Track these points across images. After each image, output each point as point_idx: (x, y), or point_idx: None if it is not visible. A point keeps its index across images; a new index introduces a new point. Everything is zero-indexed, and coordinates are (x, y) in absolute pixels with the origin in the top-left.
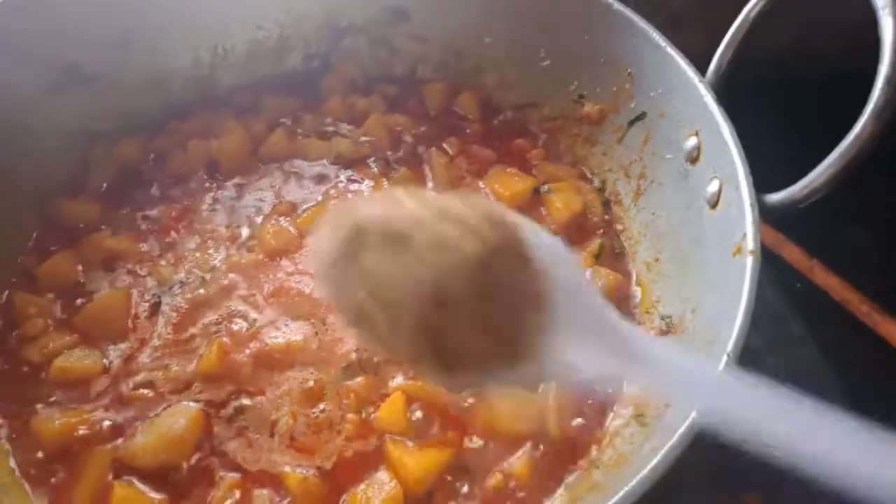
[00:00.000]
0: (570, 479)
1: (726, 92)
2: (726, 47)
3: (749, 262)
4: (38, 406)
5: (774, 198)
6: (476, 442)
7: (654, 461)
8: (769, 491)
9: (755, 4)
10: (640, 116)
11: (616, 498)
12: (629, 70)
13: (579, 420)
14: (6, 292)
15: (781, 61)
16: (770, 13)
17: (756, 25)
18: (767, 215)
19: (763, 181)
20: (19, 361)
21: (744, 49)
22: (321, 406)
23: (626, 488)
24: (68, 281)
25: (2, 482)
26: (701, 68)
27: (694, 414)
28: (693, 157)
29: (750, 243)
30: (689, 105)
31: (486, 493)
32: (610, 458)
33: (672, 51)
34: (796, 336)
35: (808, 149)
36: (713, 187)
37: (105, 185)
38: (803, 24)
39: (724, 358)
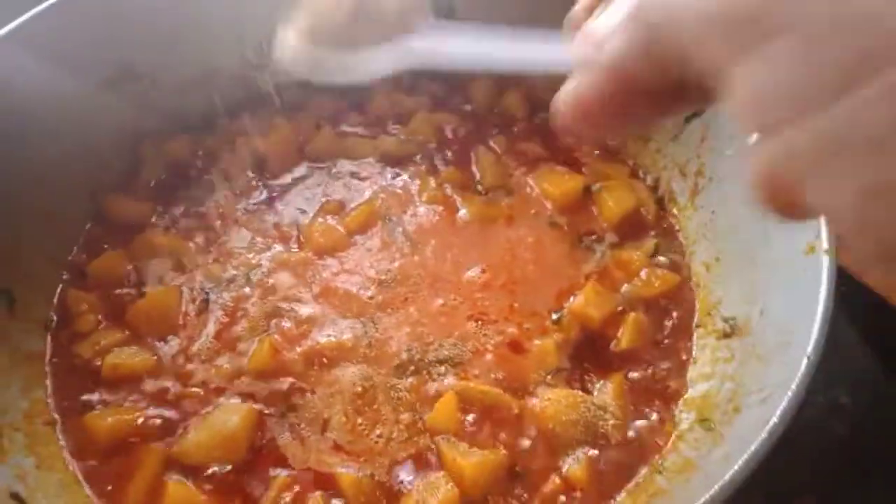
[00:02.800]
0: (630, 484)
1: None
2: None
3: (825, 261)
4: (91, 402)
5: None
6: (531, 444)
7: (734, 470)
8: (822, 495)
9: None
10: (698, 112)
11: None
12: None
13: (639, 422)
14: (59, 289)
15: None
16: None
17: None
18: None
19: None
20: (71, 357)
21: None
22: (373, 405)
23: (708, 495)
24: (119, 278)
25: (58, 478)
26: None
27: (774, 420)
28: None
29: (824, 242)
30: None
31: (542, 497)
32: (674, 464)
33: None
34: (845, 340)
35: None
36: None
37: (155, 182)
38: None
39: (805, 361)
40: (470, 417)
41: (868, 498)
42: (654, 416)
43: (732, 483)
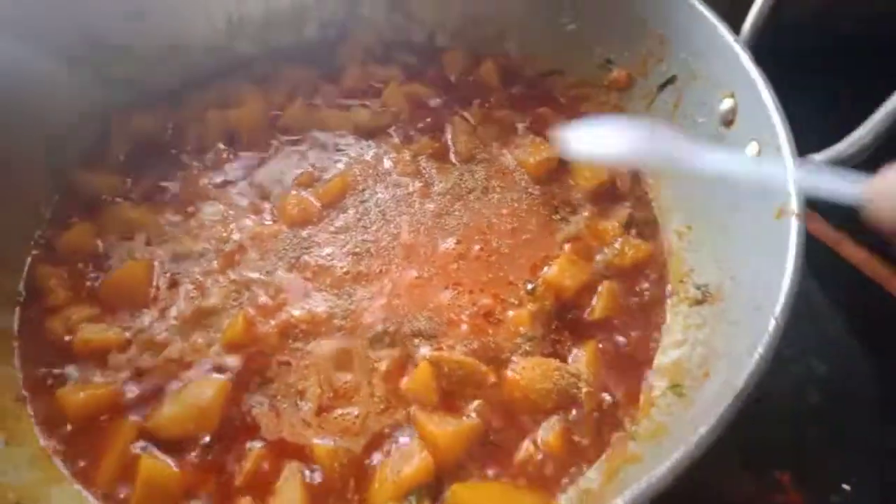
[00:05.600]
0: (604, 450)
1: (762, 52)
2: (762, 5)
3: (794, 224)
4: (63, 377)
5: (817, 158)
6: (505, 412)
7: (703, 430)
8: (799, 468)
9: None
10: (671, 80)
11: (662, 469)
12: (659, 32)
13: (612, 390)
14: (27, 264)
15: (817, 19)
16: None
17: None
18: None
19: (804, 144)
20: (42, 333)
21: (778, 7)
22: (348, 376)
23: (674, 458)
24: (89, 252)
25: (29, 453)
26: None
27: (742, 382)
28: (728, 120)
29: (794, 205)
30: (724, 66)
31: (516, 464)
32: (647, 430)
33: (705, 10)
34: (821, 309)
35: (843, 110)
36: (751, 150)
37: (124, 156)
38: None
39: (773, 321)
40: (445, 387)
41: (843, 467)
42: (627, 384)
43: (698, 447)
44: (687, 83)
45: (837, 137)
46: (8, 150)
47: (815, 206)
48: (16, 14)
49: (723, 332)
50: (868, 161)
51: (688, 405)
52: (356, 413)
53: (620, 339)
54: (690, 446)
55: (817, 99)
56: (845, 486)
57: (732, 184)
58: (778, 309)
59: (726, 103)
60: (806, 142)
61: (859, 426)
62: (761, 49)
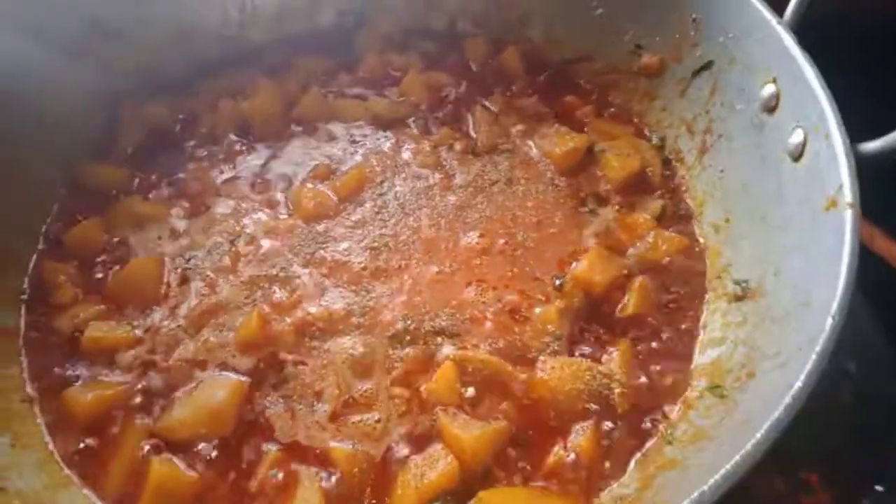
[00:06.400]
0: (638, 455)
1: (805, 34)
2: None
3: (848, 215)
4: (70, 377)
5: (870, 147)
6: (534, 415)
7: (757, 438)
8: (829, 469)
9: None
10: (707, 66)
11: (722, 472)
12: (693, 15)
13: (647, 391)
14: (33, 260)
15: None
16: None
17: None
18: (863, 165)
19: (849, 129)
20: (49, 331)
21: None
22: (368, 377)
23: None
24: (97, 248)
25: (36, 456)
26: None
27: (798, 384)
28: (770, 107)
29: (847, 195)
30: (766, 50)
31: (546, 469)
32: (685, 433)
33: None
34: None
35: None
36: (796, 138)
37: (133, 148)
38: None
39: (829, 321)
40: (470, 388)
41: (871, 467)
42: (663, 384)
43: (755, 451)
44: (724, 69)
45: (887, 125)
46: (14, 143)
47: None
48: (20, 5)
49: (766, 329)
50: None
51: (731, 407)
52: (377, 418)
53: (655, 337)
54: (747, 451)
55: (864, 86)
56: (878, 488)
57: (775, 172)
58: (835, 306)
59: (768, 89)
60: (855, 129)
61: (888, 424)
62: (805, 34)
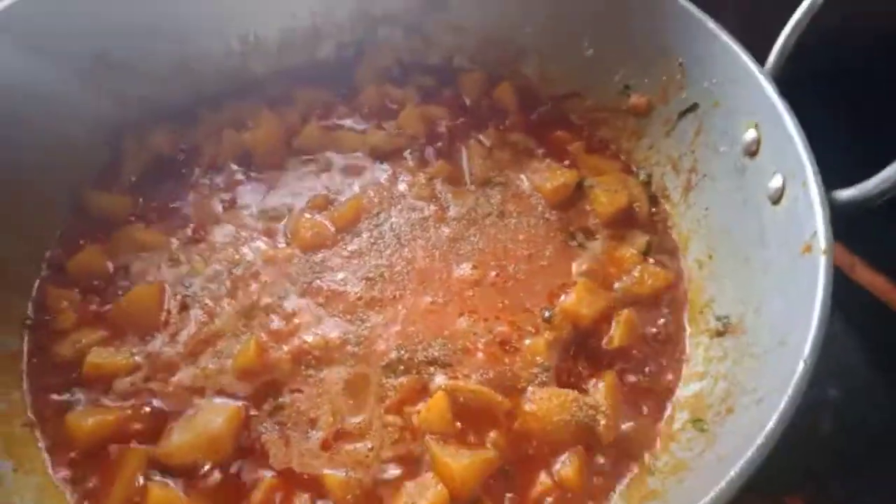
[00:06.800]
0: (621, 486)
1: (785, 80)
2: (789, 35)
3: (822, 261)
4: (71, 402)
5: (844, 194)
6: (522, 445)
7: (731, 476)
8: (811, 494)
9: None
10: (692, 108)
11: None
12: (680, 60)
13: (631, 422)
14: (35, 286)
15: (839, 47)
16: (835, 1)
17: (821, 12)
18: (838, 213)
19: (825, 176)
20: (51, 356)
21: (805, 39)
22: (362, 405)
23: (708, 499)
24: (99, 274)
25: (37, 481)
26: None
27: (771, 425)
28: (752, 151)
29: (822, 242)
30: (748, 96)
31: (532, 498)
32: (666, 465)
33: (730, 40)
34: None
35: (867, 141)
36: (776, 182)
37: (136, 176)
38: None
39: (801, 365)
40: (461, 418)
41: (854, 493)
42: (646, 416)
43: (730, 488)
44: (708, 112)
45: (865, 170)
46: (18, 169)
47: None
48: (30, 32)
49: (746, 365)
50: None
51: (710, 441)
52: (370, 446)
53: (639, 369)
54: (721, 489)
55: (844, 134)
56: None
57: (756, 214)
58: (807, 350)
59: (750, 134)
60: (833, 175)
61: (872, 453)
62: (787, 78)
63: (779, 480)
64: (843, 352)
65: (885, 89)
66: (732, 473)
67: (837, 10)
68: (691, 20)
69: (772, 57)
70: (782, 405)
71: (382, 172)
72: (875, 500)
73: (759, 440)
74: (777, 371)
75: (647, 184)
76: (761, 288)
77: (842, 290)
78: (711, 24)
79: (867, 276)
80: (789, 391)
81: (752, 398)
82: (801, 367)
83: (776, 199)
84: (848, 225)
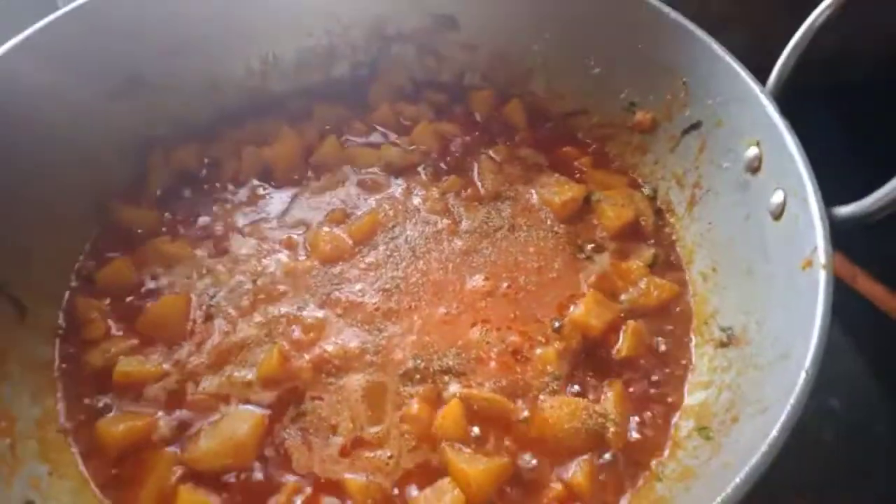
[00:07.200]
0: (630, 491)
1: (786, 98)
2: (789, 56)
3: (822, 276)
4: (102, 409)
5: (843, 211)
6: (534, 451)
7: (736, 483)
8: (812, 500)
9: (820, 14)
10: (696, 125)
11: None
12: (684, 79)
13: (639, 430)
14: (66, 297)
15: (838, 66)
16: (833, 23)
17: (820, 33)
18: (837, 229)
19: (825, 192)
20: (81, 365)
21: (805, 59)
22: (381, 412)
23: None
24: (127, 285)
25: (71, 485)
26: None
27: (774, 434)
28: (754, 168)
29: (822, 257)
30: (750, 115)
31: (546, 503)
32: (674, 472)
33: (732, 60)
34: (836, 345)
35: (866, 157)
36: (777, 198)
37: (162, 190)
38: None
39: (803, 376)
40: (475, 425)
41: (854, 503)
42: (654, 424)
43: (735, 495)
44: (712, 129)
45: (865, 186)
46: (51, 183)
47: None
48: (62, 49)
49: (749, 376)
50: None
51: (716, 449)
52: (389, 454)
53: (647, 379)
54: (728, 495)
55: (848, 148)
56: None
57: (758, 229)
58: (808, 362)
59: (752, 151)
60: (833, 190)
61: (873, 462)
62: (788, 97)
63: (781, 491)
64: (845, 362)
65: (884, 108)
66: (737, 480)
67: (837, 32)
68: (695, 41)
69: (772, 76)
70: (784, 415)
71: (397, 187)
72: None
73: (763, 448)
74: (780, 382)
75: (653, 198)
76: (764, 300)
77: (843, 300)
78: (715, 46)
79: (867, 286)
80: (791, 401)
81: (757, 408)
82: (802, 377)
83: (777, 215)
84: (849, 236)
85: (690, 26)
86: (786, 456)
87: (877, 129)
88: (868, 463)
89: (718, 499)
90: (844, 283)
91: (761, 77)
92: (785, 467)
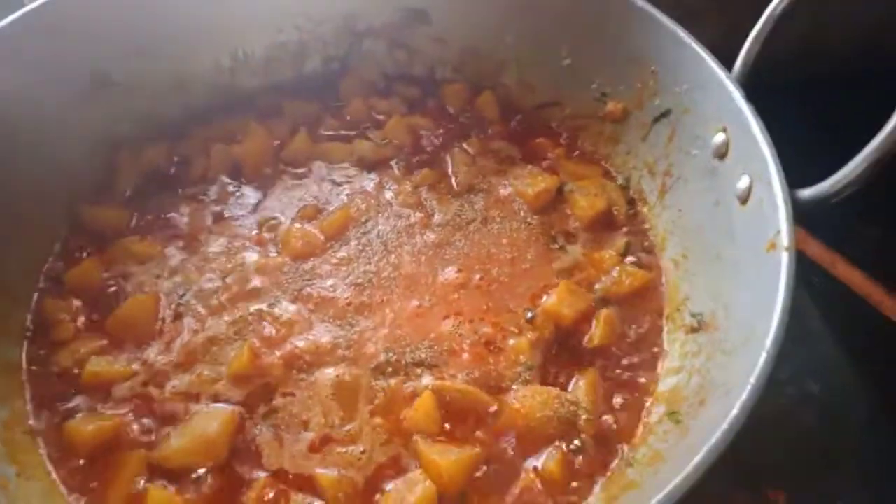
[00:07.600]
0: (603, 478)
1: (752, 87)
2: (752, 43)
3: (784, 258)
4: (71, 410)
5: (806, 193)
6: (507, 441)
7: (696, 461)
8: (793, 487)
9: (780, 1)
10: (665, 113)
11: (660, 496)
12: (653, 67)
13: (611, 416)
14: (34, 298)
15: (805, 57)
16: (796, 8)
17: (781, 21)
18: (799, 211)
19: (790, 176)
20: (50, 366)
21: (769, 45)
22: (352, 407)
23: (673, 484)
24: (96, 286)
25: (40, 486)
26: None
27: (734, 412)
28: (721, 153)
29: (784, 239)
30: (717, 102)
31: (518, 492)
32: (644, 456)
33: (699, 48)
34: (815, 330)
35: (832, 145)
36: (743, 183)
37: (131, 190)
38: (827, 20)
39: (763, 355)
40: (447, 416)
41: (836, 488)
42: (626, 410)
43: (696, 472)
44: (680, 117)
45: (829, 169)
46: (18, 185)
47: (809, 226)
48: (27, 48)
49: (718, 361)
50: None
51: (684, 433)
52: (361, 449)
53: (619, 366)
54: (687, 475)
55: (813, 133)
56: None
57: (727, 214)
58: (769, 342)
59: (719, 137)
60: (800, 174)
61: (852, 446)
62: (754, 81)
63: (762, 475)
64: (824, 348)
65: (851, 93)
66: (697, 459)
67: (805, 19)
68: (662, 29)
69: (738, 63)
70: (745, 395)
71: (369, 181)
72: (857, 494)
73: (724, 426)
74: (744, 365)
75: (625, 187)
76: (731, 285)
77: (823, 287)
78: (681, 33)
79: (846, 272)
80: (751, 381)
81: (722, 391)
82: (762, 357)
83: (744, 199)
84: (828, 223)
85: (658, 15)
86: (765, 440)
87: (842, 120)
88: (847, 447)
89: (679, 477)
90: (823, 269)
91: (728, 64)
92: (764, 451)
